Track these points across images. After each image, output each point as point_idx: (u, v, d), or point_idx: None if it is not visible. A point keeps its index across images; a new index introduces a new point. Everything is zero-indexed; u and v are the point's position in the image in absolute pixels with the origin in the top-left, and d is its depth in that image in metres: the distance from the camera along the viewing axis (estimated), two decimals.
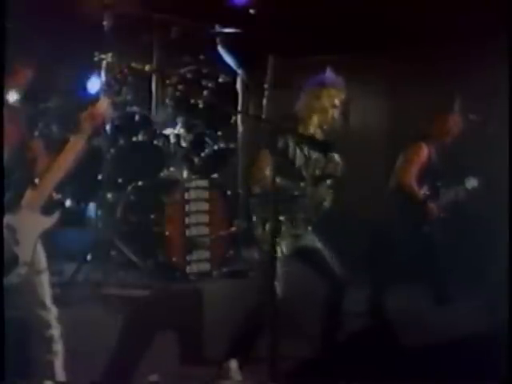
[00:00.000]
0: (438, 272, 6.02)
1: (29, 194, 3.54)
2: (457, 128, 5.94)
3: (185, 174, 5.71)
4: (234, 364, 4.33)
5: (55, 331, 3.69)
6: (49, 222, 3.60)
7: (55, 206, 3.64)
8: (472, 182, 5.99)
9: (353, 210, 7.02)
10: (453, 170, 6.15)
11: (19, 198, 3.53)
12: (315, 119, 4.39)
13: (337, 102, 4.38)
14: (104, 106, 3.78)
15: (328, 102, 4.36)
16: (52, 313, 3.69)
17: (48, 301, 3.68)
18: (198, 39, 6.21)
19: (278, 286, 4.06)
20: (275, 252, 4.07)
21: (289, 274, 4.19)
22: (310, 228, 4.42)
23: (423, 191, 5.85)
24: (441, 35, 6.42)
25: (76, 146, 3.63)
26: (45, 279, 3.68)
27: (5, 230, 3.45)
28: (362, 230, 7.19)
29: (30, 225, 3.53)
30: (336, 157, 4.40)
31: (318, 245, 4.48)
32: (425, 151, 5.83)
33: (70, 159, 3.61)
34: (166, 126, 5.86)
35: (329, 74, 4.41)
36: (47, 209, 3.58)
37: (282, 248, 4.21)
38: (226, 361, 4.36)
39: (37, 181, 3.56)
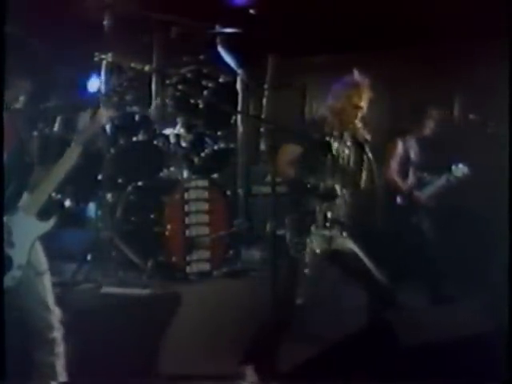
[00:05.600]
0: (432, 269, 6.05)
1: (26, 197, 3.54)
2: (433, 122, 6.13)
3: (185, 173, 5.71)
4: (249, 370, 4.29)
5: (57, 333, 3.69)
6: (44, 227, 3.60)
7: (52, 212, 3.64)
8: (461, 170, 6.07)
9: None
10: (438, 161, 6.26)
11: (17, 200, 3.53)
12: (337, 120, 4.35)
13: (359, 102, 4.32)
14: (103, 117, 3.79)
15: (348, 103, 4.32)
16: (55, 315, 3.68)
17: (51, 303, 3.67)
18: (198, 39, 6.21)
19: (302, 289, 4.08)
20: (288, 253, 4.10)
21: (314, 276, 4.19)
22: (342, 230, 4.34)
23: (408, 183, 6.04)
24: (441, 35, 6.42)
25: (74, 152, 3.64)
26: (47, 281, 3.67)
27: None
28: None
29: (26, 228, 3.53)
30: (368, 151, 4.37)
31: (353, 247, 4.37)
32: (400, 146, 6.02)
33: (69, 166, 3.62)
34: (165, 126, 5.86)
35: (353, 75, 4.38)
36: (44, 214, 3.58)
37: (313, 250, 4.20)
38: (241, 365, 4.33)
39: (35, 185, 3.56)
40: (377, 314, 4.35)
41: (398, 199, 6.05)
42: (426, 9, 6.31)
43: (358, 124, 4.32)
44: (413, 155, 6.12)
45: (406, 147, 6.07)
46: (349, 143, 4.37)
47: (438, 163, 6.26)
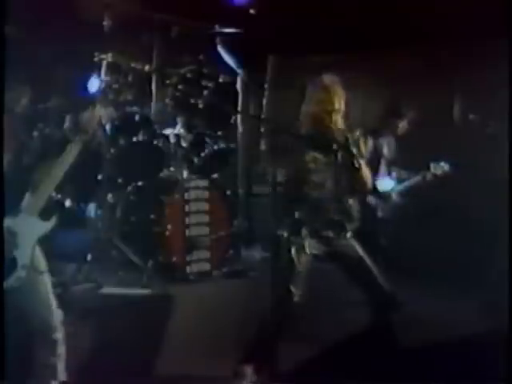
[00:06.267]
0: (432, 269, 6.07)
1: (28, 197, 3.55)
2: (404, 122, 6.25)
3: (185, 174, 5.71)
4: (248, 369, 4.29)
5: (59, 334, 3.69)
6: (46, 226, 3.61)
7: (53, 211, 3.64)
8: (441, 167, 6.09)
9: None
10: (416, 160, 6.28)
11: (19, 202, 3.54)
12: (312, 123, 4.28)
13: (333, 107, 4.23)
14: (99, 115, 3.80)
15: (320, 108, 4.23)
16: (57, 316, 3.69)
17: (53, 303, 3.68)
18: (198, 39, 6.20)
19: (296, 287, 4.08)
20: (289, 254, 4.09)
21: (310, 275, 4.19)
22: (348, 233, 4.30)
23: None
24: (441, 35, 6.42)
25: (74, 151, 3.65)
26: (47, 281, 3.68)
27: (5, 234, 3.45)
28: None
29: (29, 229, 3.54)
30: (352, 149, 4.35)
31: (351, 247, 4.31)
32: (370, 144, 6.10)
33: (68, 164, 3.62)
34: (165, 126, 5.87)
35: (326, 76, 4.33)
36: (45, 213, 3.59)
37: (311, 251, 4.19)
38: (240, 365, 4.32)
39: (36, 186, 3.57)
40: (377, 314, 4.35)
41: (370, 198, 6.10)
42: (427, 9, 6.31)
43: (337, 125, 4.27)
44: (387, 154, 6.20)
45: (376, 145, 6.15)
46: (335, 146, 4.31)
47: (416, 162, 6.27)
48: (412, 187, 6.17)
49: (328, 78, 4.28)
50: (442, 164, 6.08)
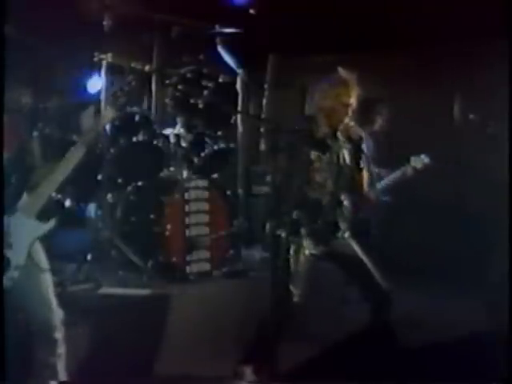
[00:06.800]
0: (432, 269, 6.04)
1: (25, 198, 3.55)
2: (382, 117, 6.18)
3: (185, 174, 5.71)
4: (248, 369, 4.29)
5: (60, 334, 3.69)
6: (44, 228, 3.60)
7: (51, 213, 3.64)
8: (421, 159, 5.95)
9: None
10: (396, 156, 6.18)
11: (15, 202, 3.53)
12: (326, 119, 4.28)
13: (349, 100, 4.24)
14: (106, 118, 3.80)
15: (337, 101, 4.24)
16: (58, 315, 3.69)
17: (54, 303, 3.68)
18: (198, 39, 6.20)
19: (296, 287, 4.08)
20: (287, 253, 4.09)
21: (309, 275, 4.19)
22: (346, 233, 4.33)
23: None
24: (441, 35, 6.42)
25: (78, 153, 3.64)
26: (49, 281, 3.68)
27: None
28: None
29: (25, 229, 3.53)
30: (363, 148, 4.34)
31: (351, 247, 4.34)
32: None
33: (70, 168, 3.62)
34: (165, 126, 5.87)
35: (339, 72, 4.33)
36: (43, 215, 3.58)
37: (310, 250, 4.19)
38: (240, 365, 4.32)
39: (35, 186, 3.56)
40: (376, 313, 4.35)
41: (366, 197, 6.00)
42: (427, 9, 6.31)
43: (350, 123, 4.28)
44: (367, 152, 6.09)
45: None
46: (342, 142, 4.31)
47: (395, 158, 6.15)
48: (396, 183, 6.01)
49: (345, 73, 4.29)
50: (422, 157, 5.99)
